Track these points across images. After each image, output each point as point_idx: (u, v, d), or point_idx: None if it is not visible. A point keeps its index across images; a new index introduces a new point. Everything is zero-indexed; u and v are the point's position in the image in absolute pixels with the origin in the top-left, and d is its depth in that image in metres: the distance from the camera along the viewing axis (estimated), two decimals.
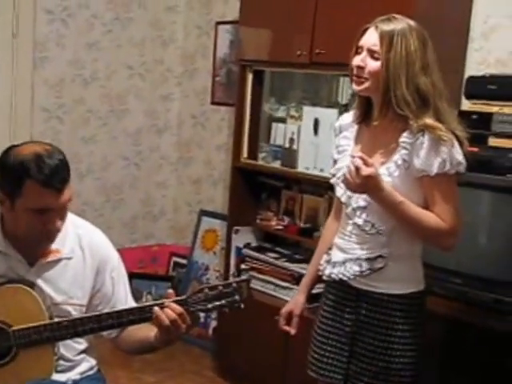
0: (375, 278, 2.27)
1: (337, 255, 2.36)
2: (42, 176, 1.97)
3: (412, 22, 2.22)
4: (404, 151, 2.20)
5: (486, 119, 2.89)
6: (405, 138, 2.20)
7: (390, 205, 2.16)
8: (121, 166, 4.86)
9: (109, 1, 4.59)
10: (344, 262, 2.32)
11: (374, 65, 2.19)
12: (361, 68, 2.22)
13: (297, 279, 3.61)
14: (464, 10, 3.31)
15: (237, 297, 1.98)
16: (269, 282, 3.83)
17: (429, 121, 2.15)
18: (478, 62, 3.29)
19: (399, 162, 2.20)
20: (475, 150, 2.86)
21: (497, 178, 2.77)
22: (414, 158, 2.19)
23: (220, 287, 1.98)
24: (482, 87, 2.98)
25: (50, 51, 4.38)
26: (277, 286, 3.78)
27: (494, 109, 2.91)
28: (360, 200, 2.26)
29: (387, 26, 2.19)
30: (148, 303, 2.03)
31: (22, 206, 2.00)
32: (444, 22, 3.19)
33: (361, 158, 2.08)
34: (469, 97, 3.07)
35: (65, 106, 4.50)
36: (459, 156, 2.19)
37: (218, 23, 4.66)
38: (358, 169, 2.07)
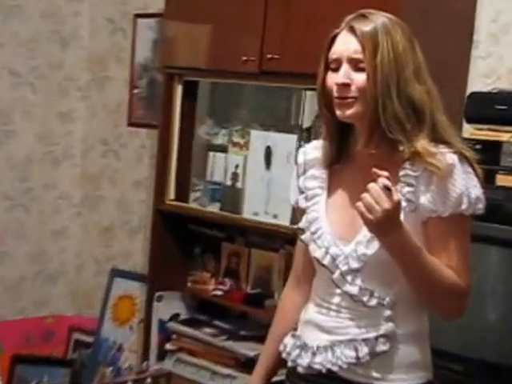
0: (376, 365, 2.23)
1: (318, 337, 2.31)
2: None
3: (391, 16, 2.22)
4: (407, 188, 2.17)
5: (493, 150, 2.92)
6: (408, 169, 2.18)
7: (408, 250, 2.10)
8: (3, 208, 4.81)
9: None
10: (332, 347, 2.27)
11: (363, 78, 2.16)
12: (347, 86, 2.18)
13: (243, 364, 3.62)
14: (466, 6, 3.36)
15: None
16: (204, 368, 3.82)
17: (421, 146, 2.13)
18: (485, 74, 3.34)
19: (403, 203, 2.13)
20: None
21: (509, 229, 2.79)
22: (420, 196, 2.17)
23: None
24: (489, 107, 3.01)
25: None
26: (215, 373, 3.77)
27: (505, 136, 2.94)
28: (351, 260, 2.21)
29: (365, 26, 2.17)
30: None
31: None
32: (439, 21, 3.23)
33: (387, 178, 2.01)
34: (471, 120, 3.11)
35: None
36: (477, 190, 2.17)
37: (137, 16, 4.69)
38: (388, 189, 2.00)
